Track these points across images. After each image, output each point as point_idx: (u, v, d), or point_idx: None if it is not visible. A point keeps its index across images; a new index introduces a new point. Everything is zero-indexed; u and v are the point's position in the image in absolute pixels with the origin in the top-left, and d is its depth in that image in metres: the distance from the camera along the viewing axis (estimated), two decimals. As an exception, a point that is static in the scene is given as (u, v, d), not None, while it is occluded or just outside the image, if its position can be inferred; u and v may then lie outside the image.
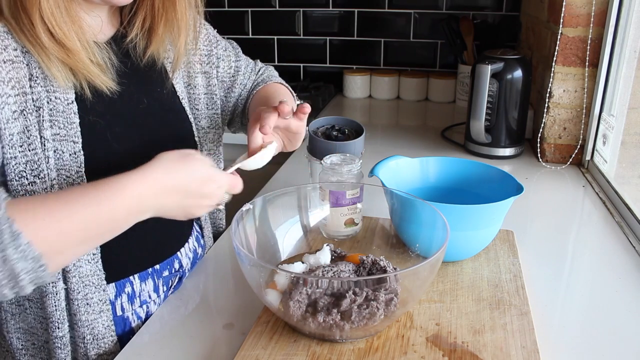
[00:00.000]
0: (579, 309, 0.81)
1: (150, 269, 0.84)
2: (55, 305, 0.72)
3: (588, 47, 1.29)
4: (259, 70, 1.09)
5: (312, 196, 0.91)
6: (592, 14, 1.26)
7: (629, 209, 1.07)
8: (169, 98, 0.87)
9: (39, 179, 0.67)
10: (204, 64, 0.96)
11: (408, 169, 0.98)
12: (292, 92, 1.05)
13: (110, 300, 0.78)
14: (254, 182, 1.40)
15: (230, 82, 1.02)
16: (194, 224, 0.97)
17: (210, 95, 0.97)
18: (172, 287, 0.89)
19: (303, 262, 0.79)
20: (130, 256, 0.74)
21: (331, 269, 0.74)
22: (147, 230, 0.73)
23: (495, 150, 1.41)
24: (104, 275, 0.75)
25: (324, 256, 0.80)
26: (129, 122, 0.79)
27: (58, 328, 0.73)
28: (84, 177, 0.71)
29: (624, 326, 0.77)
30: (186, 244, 0.91)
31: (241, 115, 1.05)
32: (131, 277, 0.81)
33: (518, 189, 0.86)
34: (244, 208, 0.79)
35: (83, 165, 0.71)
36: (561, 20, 1.28)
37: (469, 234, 0.84)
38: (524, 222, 1.06)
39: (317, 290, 0.68)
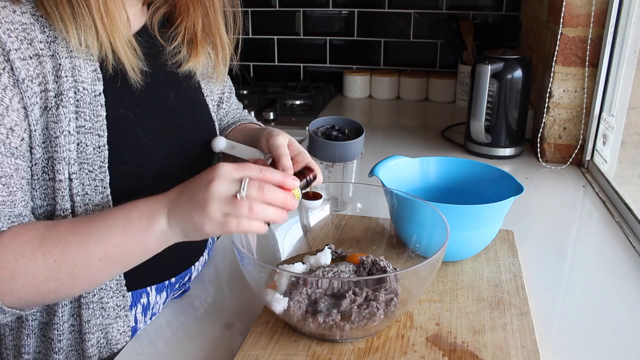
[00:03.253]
0: (579, 309, 0.81)
1: (167, 282, 0.82)
2: (61, 313, 0.71)
3: (588, 47, 1.29)
4: (243, 112, 1.09)
5: (312, 196, 0.91)
6: (592, 14, 1.26)
7: (629, 209, 1.07)
8: (193, 94, 0.87)
9: (59, 173, 0.66)
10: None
11: (408, 169, 0.98)
12: None
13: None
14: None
15: (217, 108, 1.00)
16: None
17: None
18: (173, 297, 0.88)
19: (304, 263, 0.79)
20: (152, 266, 0.70)
21: (331, 270, 0.74)
22: None
23: (495, 150, 1.41)
24: (124, 282, 0.73)
25: (325, 257, 0.80)
26: (157, 117, 0.77)
27: (60, 341, 0.72)
28: (107, 172, 0.69)
29: (624, 326, 0.77)
30: (201, 257, 0.90)
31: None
32: (148, 288, 0.79)
33: (518, 189, 0.86)
34: (244, 208, 0.79)
35: (107, 160, 0.69)
36: (561, 20, 1.28)
37: (469, 234, 0.84)
38: (524, 222, 1.06)
39: (317, 290, 0.68)
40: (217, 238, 1.03)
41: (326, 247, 0.82)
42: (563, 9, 1.27)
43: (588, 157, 1.35)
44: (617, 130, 1.26)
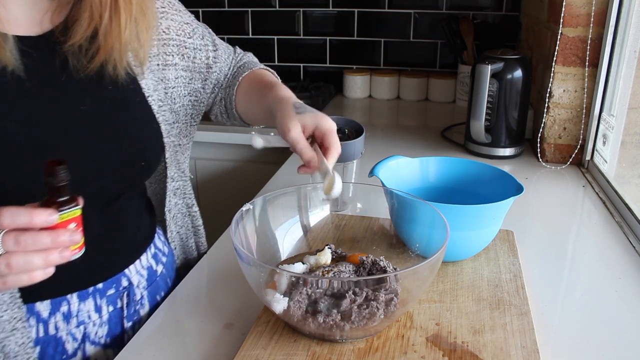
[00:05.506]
0: (579, 309, 0.81)
1: (92, 288, 0.77)
2: None
3: (588, 47, 1.29)
4: (238, 57, 1.05)
5: (312, 196, 0.91)
6: (592, 14, 1.26)
7: (629, 209, 1.07)
8: (127, 95, 0.78)
9: None
10: (176, 56, 0.90)
11: (408, 169, 0.98)
12: (278, 77, 1.01)
13: (42, 319, 0.73)
14: (254, 182, 1.40)
15: (207, 73, 0.96)
16: (156, 239, 0.91)
17: (185, 88, 0.91)
18: (125, 306, 0.81)
19: (304, 263, 0.79)
20: (68, 273, 0.62)
21: (331, 269, 0.74)
22: (89, 246, 0.62)
23: (495, 150, 1.41)
24: (18, 294, 0.69)
25: (325, 257, 0.80)
26: (63, 128, 0.70)
27: None
28: None
29: (624, 326, 0.77)
30: (137, 261, 0.85)
31: (220, 103, 1.01)
32: (68, 296, 0.75)
33: (518, 189, 0.86)
34: (244, 208, 0.79)
35: None
36: (561, 20, 1.28)
37: (469, 234, 0.84)
38: (524, 222, 1.06)
39: (317, 290, 0.68)
40: (205, 251, 1.02)
41: (326, 247, 0.82)
42: (563, 9, 1.27)
43: (588, 157, 1.35)
44: (617, 130, 1.26)
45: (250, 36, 2.15)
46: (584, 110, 1.34)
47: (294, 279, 0.69)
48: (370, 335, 0.70)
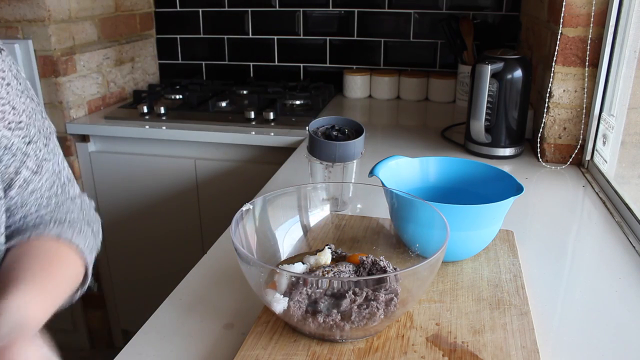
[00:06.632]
0: (579, 309, 0.81)
1: None
2: None
3: (588, 47, 1.29)
4: (66, 203, 0.69)
5: (312, 196, 0.91)
6: (592, 14, 1.26)
7: (629, 209, 1.07)
8: None
9: None
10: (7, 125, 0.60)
11: (408, 169, 0.98)
12: (86, 271, 0.69)
13: None
14: (254, 182, 1.41)
15: (5, 191, 0.62)
16: None
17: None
18: None
19: (304, 263, 0.79)
20: None
21: (331, 270, 0.74)
22: None
23: (495, 150, 1.41)
24: None
25: (325, 257, 0.80)
26: None
27: None
28: None
29: (624, 326, 0.77)
30: None
31: None
32: None
33: (518, 189, 0.86)
34: (244, 208, 0.79)
35: None
36: (561, 20, 1.28)
37: (469, 234, 0.84)
38: (524, 222, 1.06)
39: (317, 290, 0.68)
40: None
41: (326, 247, 0.82)
42: (563, 9, 1.27)
43: (588, 157, 1.35)
44: (617, 130, 1.26)
45: (250, 36, 2.15)
46: (584, 110, 1.34)
47: (294, 279, 0.69)
48: (370, 335, 0.70)
